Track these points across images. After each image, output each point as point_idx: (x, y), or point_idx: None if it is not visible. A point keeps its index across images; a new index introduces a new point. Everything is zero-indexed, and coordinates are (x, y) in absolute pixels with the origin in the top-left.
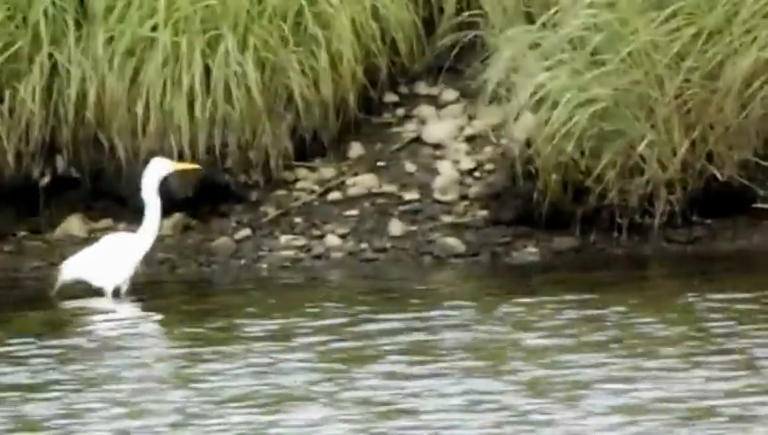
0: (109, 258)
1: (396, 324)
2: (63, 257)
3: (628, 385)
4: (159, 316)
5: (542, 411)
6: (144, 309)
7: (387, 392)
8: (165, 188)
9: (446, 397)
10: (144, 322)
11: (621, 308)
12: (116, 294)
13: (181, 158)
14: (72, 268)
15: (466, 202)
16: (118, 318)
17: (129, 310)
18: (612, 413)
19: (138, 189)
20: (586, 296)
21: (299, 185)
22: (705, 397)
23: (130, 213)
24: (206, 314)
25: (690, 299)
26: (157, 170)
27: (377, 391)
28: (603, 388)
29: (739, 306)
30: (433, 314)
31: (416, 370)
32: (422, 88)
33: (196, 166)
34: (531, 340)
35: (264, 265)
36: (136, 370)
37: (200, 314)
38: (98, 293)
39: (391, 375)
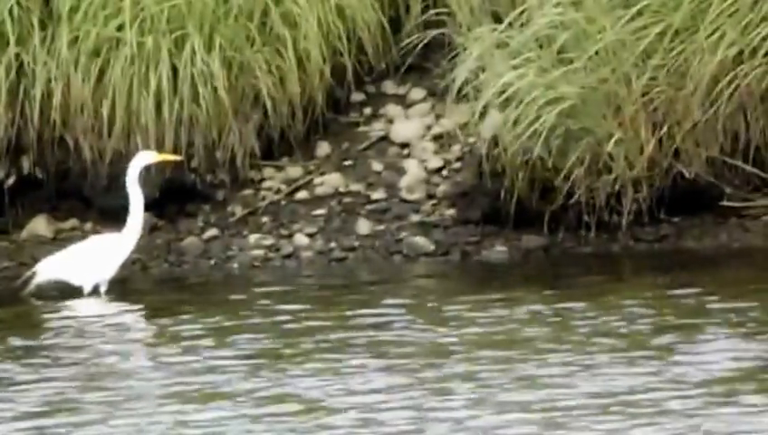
0: (92, 258)
1: (336, 322)
2: (32, 257)
3: (550, 381)
4: (125, 314)
5: (462, 409)
6: (112, 307)
7: (314, 390)
8: None
9: (367, 394)
10: (103, 320)
11: (568, 305)
12: (94, 293)
13: None
14: (51, 268)
15: (434, 201)
16: (81, 316)
17: (96, 309)
18: (529, 410)
19: (102, 190)
20: (538, 294)
21: (266, 184)
22: (623, 392)
23: (96, 213)
24: (164, 311)
25: (645, 296)
26: (140, 161)
27: (302, 388)
28: (524, 384)
29: (691, 302)
30: (372, 311)
31: (342, 366)
32: (389, 87)
33: (179, 157)
34: (461, 337)
35: (235, 265)
36: (70, 368)
37: (158, 312)
38: (76, 292)
39: (320, 372)
